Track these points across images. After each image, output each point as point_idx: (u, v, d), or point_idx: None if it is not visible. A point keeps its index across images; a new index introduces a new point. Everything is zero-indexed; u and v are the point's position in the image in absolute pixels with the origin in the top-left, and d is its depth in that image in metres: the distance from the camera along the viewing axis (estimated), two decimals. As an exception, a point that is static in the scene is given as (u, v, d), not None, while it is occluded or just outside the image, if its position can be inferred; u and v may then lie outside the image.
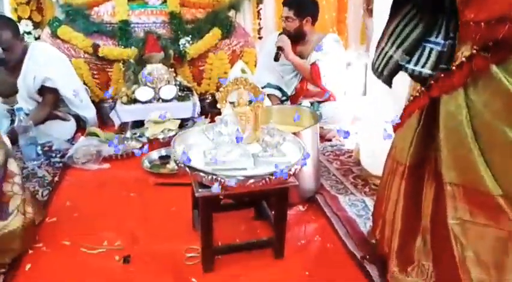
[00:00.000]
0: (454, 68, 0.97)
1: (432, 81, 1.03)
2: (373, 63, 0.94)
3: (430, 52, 0.86)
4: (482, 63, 0.94)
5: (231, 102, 1.57)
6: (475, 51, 0.94)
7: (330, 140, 2.81)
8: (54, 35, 3.24)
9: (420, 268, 1.32)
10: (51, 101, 2.84)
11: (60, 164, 2.43)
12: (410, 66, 0.88)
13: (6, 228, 1.50)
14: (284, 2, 2.92)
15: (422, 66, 0.87)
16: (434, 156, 1.17)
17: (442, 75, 0.99)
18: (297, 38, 2.93)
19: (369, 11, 2.25)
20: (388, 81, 0.93)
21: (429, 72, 0.88)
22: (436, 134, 1.12)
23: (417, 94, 1.12)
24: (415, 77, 0.89)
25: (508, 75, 0.92)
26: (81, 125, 2.99)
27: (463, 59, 0.96)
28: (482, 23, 0.87)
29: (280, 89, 3.07)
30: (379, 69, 0.93)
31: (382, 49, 0.91)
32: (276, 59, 2.90)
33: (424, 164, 1.23)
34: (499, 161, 1.01)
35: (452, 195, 1.12)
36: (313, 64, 2.87)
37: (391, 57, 0.88)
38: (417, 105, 1.12)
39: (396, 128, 1.32)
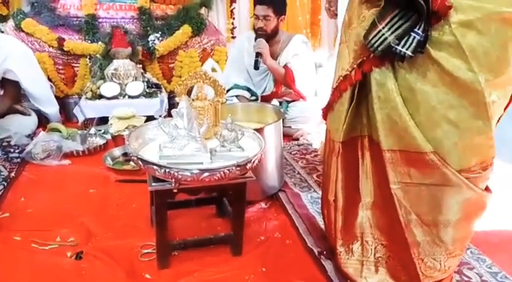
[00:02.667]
0: None
1: (364, 58, 1.20)
2: (369, 40, 1.15)
3: (413, 39, 1.09)
4: None
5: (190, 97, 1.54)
6: None
7: (297, 139, 2.82)
8: (18, 27, 3.14)
9: (364, 246, 1.35)
10: (11, 94, 2.75)
11: (18, 160, 2.35)
12: (399, 47, 1.11)
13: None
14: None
15: (407, 49, 1.10)
16: (368, 130, 1.27)
17: (372, 54, 1.17)
18: (270, 38, 2.81)
19: (331, 12, 2.27)
20: (379, 54, 1.16)
21: (410, 53, 1.10)
22: (369, 107, 1.23)
23: (347, 72, 1.25)
24: (398, 55, 1.12)
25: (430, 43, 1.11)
26: (43, 120, 2.90)
27: None
28: None
29: (249, 89, 3.00)
30: (375, 46, 1.14)
31: (380, 31, 1.13)
32: (256, 67, 2.72)
33: (357, 138, 1.31)
34: (425, 120, 1.15)
35: (391, 161, 1.22)
36: (287, 67, 2.79)
37: (386, 38, 1.12)
38: (349, 82, 1.25)
39: (327, 110, 1.40)
